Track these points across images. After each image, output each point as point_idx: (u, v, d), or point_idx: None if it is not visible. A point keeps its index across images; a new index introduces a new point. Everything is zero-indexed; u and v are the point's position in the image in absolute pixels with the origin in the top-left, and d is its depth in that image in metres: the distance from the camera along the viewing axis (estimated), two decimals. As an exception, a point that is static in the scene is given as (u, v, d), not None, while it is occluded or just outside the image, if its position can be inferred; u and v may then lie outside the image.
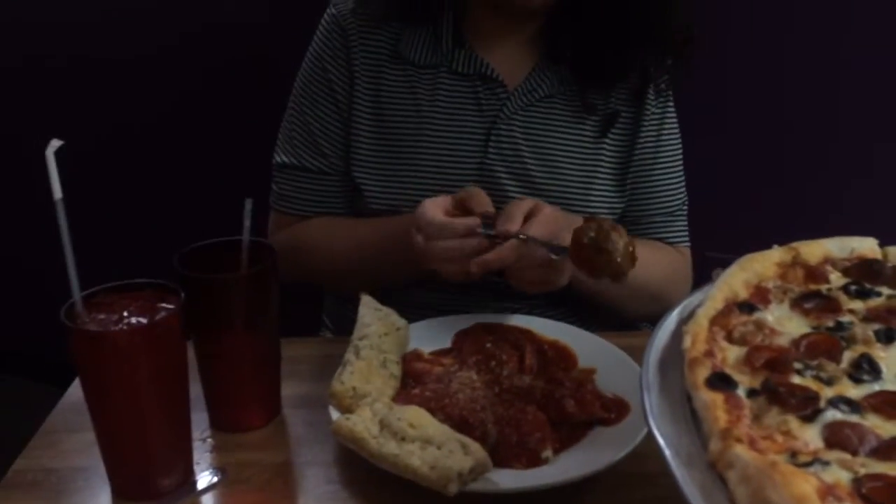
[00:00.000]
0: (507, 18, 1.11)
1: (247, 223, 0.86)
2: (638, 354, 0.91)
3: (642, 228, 1.21)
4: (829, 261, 0.70)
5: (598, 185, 1.15)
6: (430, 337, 0.99)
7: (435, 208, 0.94)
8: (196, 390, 0.85)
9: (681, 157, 1.22)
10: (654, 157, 1.19)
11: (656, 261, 1.15)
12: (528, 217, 0.93)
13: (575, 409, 0.85)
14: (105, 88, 2.03)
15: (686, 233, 1.25)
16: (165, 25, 1.93)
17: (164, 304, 0.77)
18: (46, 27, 2.01)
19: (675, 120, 1.21)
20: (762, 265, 0.68)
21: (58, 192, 0.74)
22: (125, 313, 0.75)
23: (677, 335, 0.63)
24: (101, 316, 0.75)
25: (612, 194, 1.16)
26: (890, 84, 1.57)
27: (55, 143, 0.74)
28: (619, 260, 0.87)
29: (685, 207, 1.25)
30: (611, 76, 1.13)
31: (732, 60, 1.58)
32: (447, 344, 0.99)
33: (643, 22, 1.07)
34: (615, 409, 0.86)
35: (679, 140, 1.22)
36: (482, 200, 0.96)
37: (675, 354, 0.61)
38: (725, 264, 1.64)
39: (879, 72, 1.57)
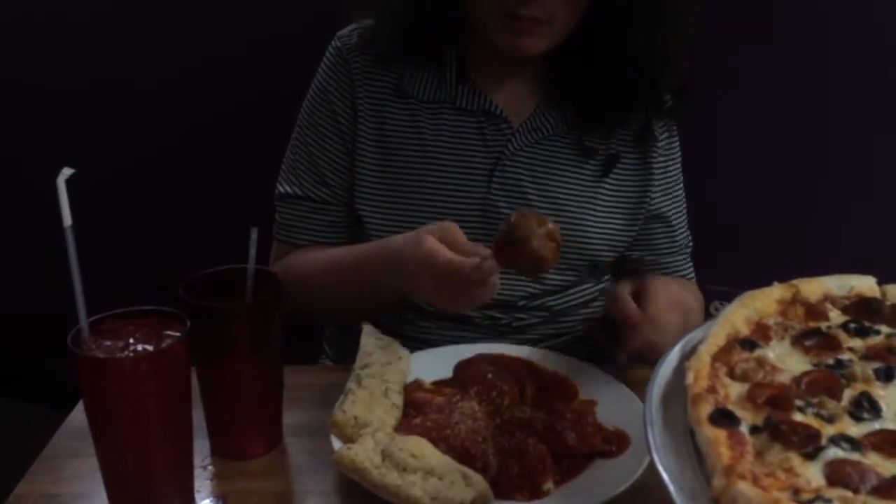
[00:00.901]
0: (508, 59, 1.13)
1: (252, 252, 0.87)
2: (638, 387, 0.93)
3: (660, 268, 1.24)
4: (828, 298, 0.71)
5: (599, 225, 1.16)
6: (431, 366, 1.00)
7: (442, 247, 0.91)
8: (198, 417, 0.85)
9: (684, 192, 1.25)
10: (665, 196, 1.22)
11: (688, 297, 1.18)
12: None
13: (576, 441, 0.85)
14: (112, 117, 2.04)
15: (692, 266, 1.28)
16: (171, 57, 1.94)
17: (169, 332, 0.77)
18: (54, 55, 2.03)
19: (679, 158, 1.24)
20: (763, 302, 0.70)
21: (68, 220, 0.75)
22: (131, 340, 0.76)
23: (680, 370, 0.64)
24: (107, 342, 0.75)
25: (614, 233, 1.17)
26: (887, 120, 1.59)
27: (66, 172, 0.75)
28: (535, 244, 0.84)
29: (691, 243, 1.28)
30: (610, 121, 1.15)
31: (725, 96, 1.60)
32: (448, 374, 1.00)
33: (641, 67, 1.09)
34: (616, 442, 0.86)
35: (682, 177, 1.25)
36: (458, 239, 0.93)
37: (677, 390, 0.62)
38: (724, 296, 1.66)
39: (873, 107, 1.60)
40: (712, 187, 1.49)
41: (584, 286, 1.20)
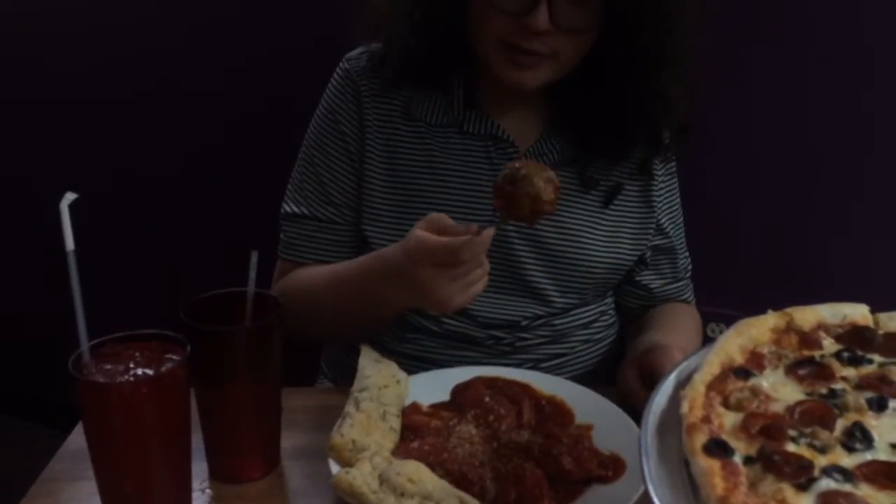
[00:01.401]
0: (511, 90, 1.13)
1: (252, 275, 0.88)
2: (634, 411, 0.93)
3: (668, 293, 1.27)
4: (822, 327, 0.72)
5: (603, 249, 1.17)
6: (429, 389, 1.00)
7: (432, 235, 0.92)
8: (196, 439, 0.85)
9: (682, 217, 1.28)
10: (668, 224, 1.24)
11: (693, 331, 1.22)
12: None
13: (572, 465, 0.86)
14: (112, 139, 2.06)
15: (692, 289, 1.31)
16: (173, 79, 1.95)
17: (169, 356, 0.78)
18: (57, 77, 2.04)
19: (676, 186, 1.26)
20: (757, 330, 0.70)
21: (70, 244, 0.76)
22: (131, 364, 0.76)
23: (675, 399, 0.64)
24: (108, 366, 0.76)
25: (618, 258, 1.18)
26: (883, 148, 1.61)
27: (69, 197, 0.76)
28: (536, 182, 0.87)
29: (690, 266, 1.30)
30: (611, 154, 1.16)
31: (722, 122, 1.62)
32: (446, 397, 1.00)
33: (640, 109, 1.10)
34: (612, 467, 0.87)
35: (680, 204, 1.27)
36: (446, 223, 0.95)
37: (673, 419, 0.62)
38: (720, 318, 1.67)
39: (865, 135, 1.61)
40: (708, 209, 1.51)
41: (587, 308, 1.21)
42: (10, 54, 2.07)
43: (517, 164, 0.90)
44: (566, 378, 1.05)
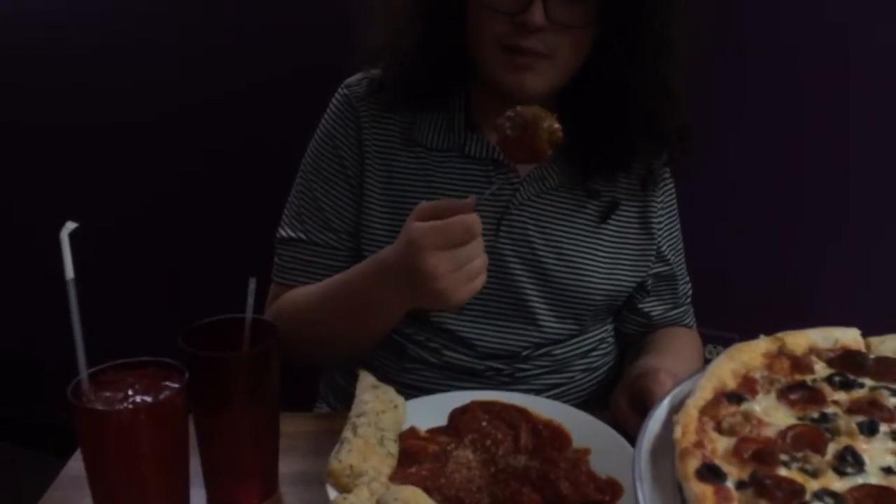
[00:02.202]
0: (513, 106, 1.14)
1: (250, 301, 0.89)
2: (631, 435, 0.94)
3: (668, 320, 1.27)
4: (813, 351, 0.73)
5: (601, 274, 1.17)
6: (426, 414, 1.00)
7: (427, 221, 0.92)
8: (194, 465, 0.86)
9: (682, 244, 1.29)
10: (667, 250, 1.24)
11: (690, 355, 1.22)
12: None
13: (570, 490, 0.86)
14: (112, 165, 2.06)
15: (693, 313, 1.32)
16: (171, 104, 1.96)
17: (168, 383, 0.78)
18: (56, 105, 2.06)
19: (676, 211, 1.27)
20: (749, 355, 0.71)
21: (70, 273, 0.77)
22: (130, 392, 0.77)
23: (668, 424, 0.65)
24: (107, 394, 0.77)
25: (617, 283, 1.19)
26: (878, 173, 1.62)
27: (70, 226, 0.77)
28: (547, 125, 0.92)
29: (690, 291, 1.31)
30: (612, 164, 1.16)
31: (716, 148, 1.64)
32: (443, 421, 1.00)
33: (640, 101, 1.10)
34: (609, 492, 0.87)
35: (679, 229, 1.28)
36: (437, 205, 0.95)
37: (666, 444, 0.63)
38: (717, 340, 1.68)
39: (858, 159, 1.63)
40: (705, 231, 1.51)
41: (586, 335, 1.22)
42: (8, 82, 2.09)
43: (518, 109, 0.94)
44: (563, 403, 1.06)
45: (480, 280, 0.94)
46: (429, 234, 0.90)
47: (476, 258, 0.92)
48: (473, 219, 0.90)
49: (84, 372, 0.77)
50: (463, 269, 0.92)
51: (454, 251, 0.90)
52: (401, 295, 0.99)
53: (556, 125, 0.93)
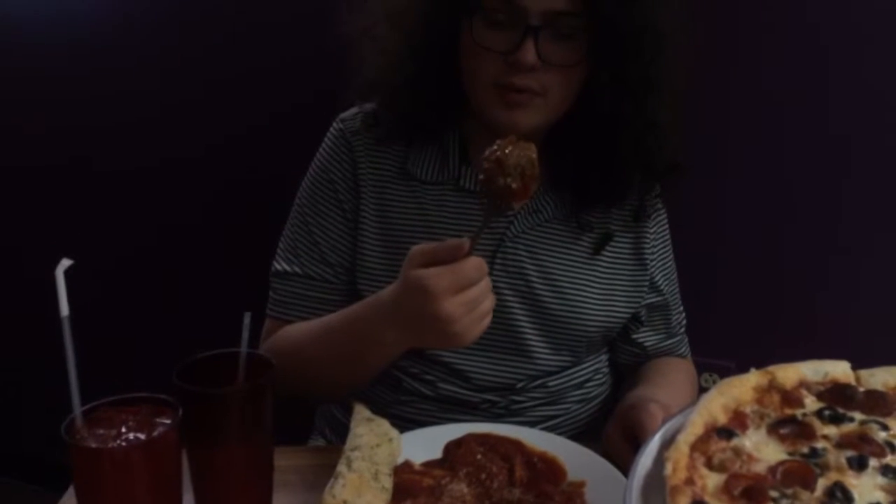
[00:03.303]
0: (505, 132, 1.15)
1: (245, 336, 0.89)
2: (626, 468, 0.93)
3: (662, 350, 1.28)
4: (804, 384, 0.73)
5: (595, 306, 1.18)
6: (421, 447, 1.01)
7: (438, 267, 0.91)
8: (187, 500, 0.85)
9: (676, 273, 1.29)
10: (661, 280, 1.25)
11: (683, 385, 1.21)
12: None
13: (564, 524, 0.86)
14: (102, 203, 2.07)
15: (688, 343, 1.32)
16: (163, 143, 1.96)
17: (161, 419, 0.79)
18: (51, 142, 2.07)
19: (669, 241, 1.28)
20: (740, 390, 0.71)
21: (65, 310, 0.78)
22: (123, 428, 0.77)
23: (660, 460, 0.65)
24: (101, 431, 0.77)
25: (611, 315, 1.19)
26: (870, 200, 1.64)
27: (65, 263, 0.78)
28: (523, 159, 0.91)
29: (684, 321, 1.32)
30: (606, 198, 1.17)
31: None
32: (438, 454, 1.01)
33: (632, 136, 1.11)
34: (603, 525, 0.87)
35: (673, 259, 1.29)
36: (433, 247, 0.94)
37: (658, 480, 0.63)
38: (713, 369, 1.68)
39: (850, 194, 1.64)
40: (699, 260, 1.52)
41: (580, 367, 1.22)
42: (4, 123, 2.10)
43: (500, 144, 0.92)
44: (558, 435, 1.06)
45: (490, 318, 0.95)
46: (443, 279, 0.90)
47: (486, 298, 0.94)
48: (481, 259, 0.92)
49: (78, 409, 0.77)
50: (476, 311, 0.93)
51: (467, 292, 0.91)
52: (405, 337, 0.99)
53: (533, 155, 0.92)
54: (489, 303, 0.94)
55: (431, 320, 0.92)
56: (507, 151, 0.91)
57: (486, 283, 0.93)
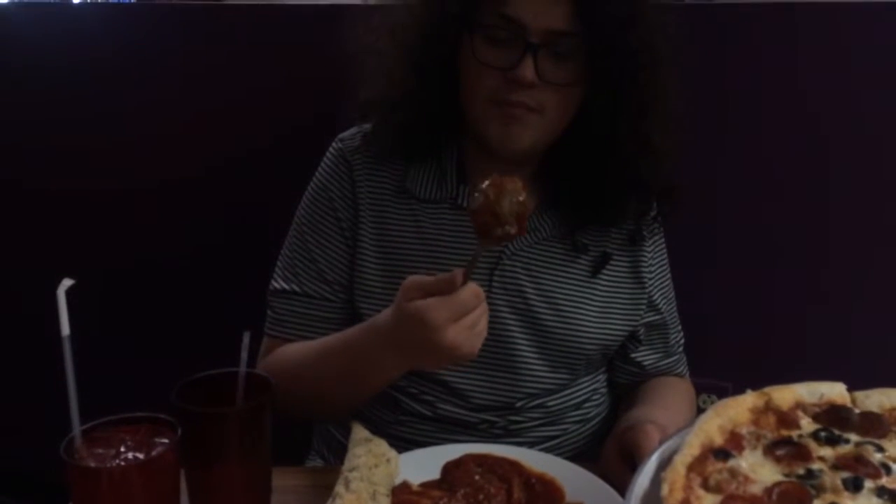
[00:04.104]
0: (504, 158, 1.14)
1: (244, 355, 0.89)
2: (625, 489, 0.93)
3: (661, 369, 1.28)
4: (800, 406, 0.74)
5: (593, 324, 1.18)
6: (419, 468, 1.00)
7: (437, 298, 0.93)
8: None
9: (674, 293, 1.30)
10: (661, 296, 1.26)
11: (681, 405, 1.21)
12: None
13: (561, 545, 0.86)
14: (102, 222, 2.06)
15: (686, 361, 1.32)
16: (163, 162, 1.96)
17: (160, 439, 0.79)
18: (50, 163, 2.07)
19: (666, 261, 1.28)
20: (736, 411, 0.72)
21: (66, 329, 0.78)
22: (122, 448, 0.77)
23: (657, 481, 0.65)
24: (99, 450, 0.77)
25: (608, 333, 1.20)
26: (863, 222, 1.65)
27: (66, 283, 0.79)
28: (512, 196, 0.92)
29: (682, 340, 1.32)
30: (602, 220, 1.18)
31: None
32: (436, 475, 1.00)
33: (627, 158, 1.12)
34: (601, 547, 0.87)
35: (671, 279, 1.29)
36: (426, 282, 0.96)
37: (655, 501, 0.64)
38: (711, 389, 1.67)
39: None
40: (698, 280, 1.53)
41: (579, 386, 1.22)
42: (4, 143, 2.10)
43: (488, 194, 0.92)
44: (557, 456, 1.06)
45: (485, 333, 0.97)
46: (443, 310, 0.91)
47: (482, 317, 0.95)
48: (477, 287, 0.93)
49: (77, 428, 0.77)
50: (475, 329, 0.94)
51: (465, 319, 0.93)
52: (405, 362, 1.01)
53: (522, 197, 0.93)
54: (485, 320, 0.96)
55: (434, 349, 0.93)
56: (500, 203, 0.91)
57: (483, 307, 0.95)
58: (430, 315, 0.91)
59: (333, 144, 1.24)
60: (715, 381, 1.61)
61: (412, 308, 0.92)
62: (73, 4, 2.42)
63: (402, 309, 0.94)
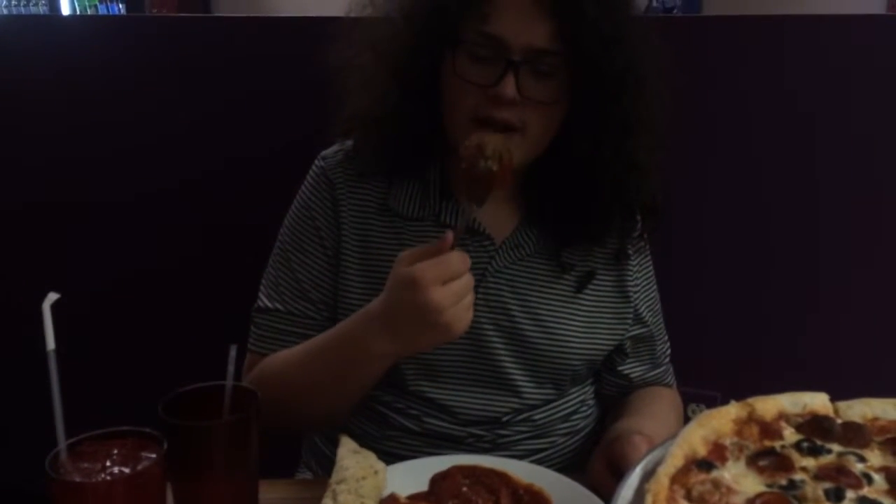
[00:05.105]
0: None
1: (230, 369, 0.89)
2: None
3: (648, 380, 1.28)
4: (783, 416, 0.74)
5: (578, 339, 1.18)
6: (407, 479, 1.00)
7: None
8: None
9: (660, 304, 1.30)
10: (647, 308, 1.26)
11: (668, 416, 1.22)
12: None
13: (548, 557, 0.86)
14: (86, 236, 2.05)
15: (673, 372, 1.33)
16: (145, 178, 1.95)
17: (146, 453, 0.79)
18: (34, 178, 2.06)
19: (651, 273, 1.29)
20: (719, 422, 0.72)
21: (51, 343, 0.78)
22: (108, 462, 0.77)
23: (640, 492, 0.66)
24: (85, 465, 0.77)
25: (593, 348, 1.20)
26: (850, 235, 1.66)
27: (52, 297, 0.79)
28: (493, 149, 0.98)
29: (669, 350, 1.32)
30: (586, 239, 1.18)
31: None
32: (424, 487, 1.00)
33: (611, 178, 1.12)
34: (588, 558, 0.87)
35: (656, 291, 1.30)
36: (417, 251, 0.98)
37: (637, 512, 0.64)
38: (699, 399, 1.68)
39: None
40: (684, 291, 1.54)
41: (566, 399, 1.22)
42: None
43: (476, 140, 1.00)
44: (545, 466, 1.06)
45: (472, 312, 0.98)
46: (429, 270, 0.93)
47: (469, 292, 0.97)
48: (464, 253, 0.96)
49: (63, 443, 0.77)
50: (462, 302, 0.96)
51: (452, 284, 0.94)
52: (393, 343, 1.00)
53: (509, 148, 0.99)
54: (472, 297, 0.97)
55: (420, 312, 0.94)
56: (485, 139, 0.99)
57: (469, 277, 0.96)
58: (416, 274, 0.93)
59: (316, 162, 1.23)
60: (703, 391, 1.61)
61: (402, 271, 0.95)
62: (62, 17, 2.42)
63: (394, 276, 0.97)
